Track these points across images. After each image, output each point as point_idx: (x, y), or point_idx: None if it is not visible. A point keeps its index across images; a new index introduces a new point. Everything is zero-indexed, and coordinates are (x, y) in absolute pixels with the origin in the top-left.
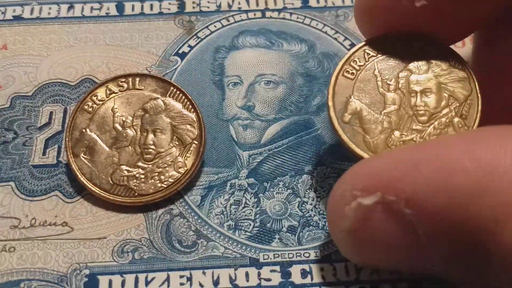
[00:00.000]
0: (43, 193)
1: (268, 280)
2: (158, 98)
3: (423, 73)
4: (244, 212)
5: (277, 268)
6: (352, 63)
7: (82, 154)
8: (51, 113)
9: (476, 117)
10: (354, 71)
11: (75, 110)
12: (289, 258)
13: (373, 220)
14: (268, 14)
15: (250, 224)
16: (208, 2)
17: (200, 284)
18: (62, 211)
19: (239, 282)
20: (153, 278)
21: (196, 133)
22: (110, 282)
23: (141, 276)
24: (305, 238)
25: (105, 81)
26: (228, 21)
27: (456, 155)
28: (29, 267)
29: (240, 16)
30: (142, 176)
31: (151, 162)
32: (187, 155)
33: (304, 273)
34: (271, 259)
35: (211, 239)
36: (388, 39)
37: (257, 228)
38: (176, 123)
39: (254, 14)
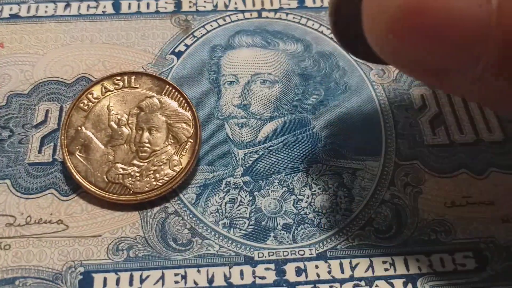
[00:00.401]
0: (38, 191)
1: (263, 278)
2: (153, 96)
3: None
4: (239, 210)
5: (272, 266)
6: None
7: (77, 152)
8: (47, 111)
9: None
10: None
11: (71, 108)
12: (283, 256)
13: None
14: (264, 14)
15: (245, 222)
16: (204, 1)
17: (195, 282)
18: (58, 209)
19: (234, 280)
20: (147, 276)
21: (192, 132)
22: (105, 280)
23: (136, 274)
24: (300, 236)
25: (101, 79)
26: (225, 20)
27: None
28: (24, 264)
29: (237, 16)
30: (138, 174)
31: (146, 160)
32: (183, 153)
33: (298, 271)
34: (265, 257)
35: (206, 237)
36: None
37: (252, 226)
38: (171, 121)
39: (251, 14)
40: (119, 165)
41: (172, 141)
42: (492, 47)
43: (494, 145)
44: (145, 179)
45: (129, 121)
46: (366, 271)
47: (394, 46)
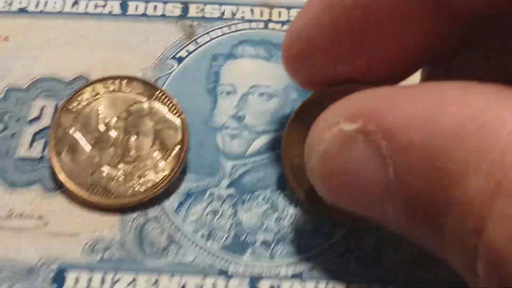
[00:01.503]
0: (23, 185)
1: None
2: (143, 101)
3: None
4: (219, 222)
5: (246, 281)
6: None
7: (63, 153)
8: (42, 107)
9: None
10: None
11: (61, 109)
12: (258, 273)
13: (349, 149)
14: (271, 25)
15: (224, 235)
16: (212, 8)
17: None
18: (40, 205)
19: None
20: (119, 279)
21: (179, 138)
22: (77, 278)
23: (108, 276)
24: (278, 254)
25: (92, 81)
26: (230, 29)
27: (448, 98)
28: (1, 256)
29: (243, 25)
30: (121, 178)
31: (131, 165)
32: (168, 160)
33: None
34: (240, 272)
35: (182, 246)
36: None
37: (231, 240)
38: (159, 128)
39: (257, 24)
40: (104, 168)
41: (159, 147)
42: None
43: None
44: (129, 184)
45: (117, 125)
46: None
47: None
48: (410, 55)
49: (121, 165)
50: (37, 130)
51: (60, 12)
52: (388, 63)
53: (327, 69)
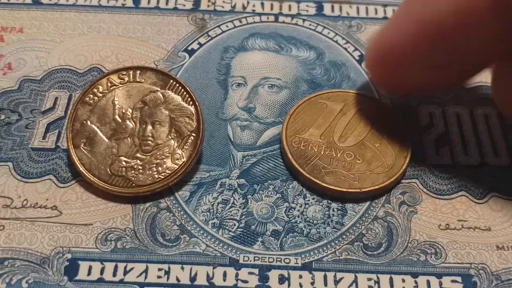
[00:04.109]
0: (38, 176)
1: (245, 282)
2: (157, 90)
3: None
4: (230, 211)
5: (256, 271)
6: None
7: (82, 145)
8: (56, 98)
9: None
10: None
11: (77, 102)
12: (269, 262)
13: None
14: (281, 18)
15: (234, 224)
16: (223, 1)
17: (177, 279)
18: (54, 195)
19: (216, 281)
20: (132, 268)
21: (194, 126)
22: (90, 268)
23: (121, 265)
24: (287, 244)
25: (107, 73)
26: (241, 22)
27: None
28: (15, 246)
29: (253, 18)
30: (140, 167)
31: (149, 154)
32: (185, 147)
33: (282, 279)
34: (251, 261)
35: (194, 235)
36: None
37: (241, 229)
38: (174, 116)
39: (267, 18)
40: (122, 158)
41: (175, 135)
42: None
43: (498, 170)
44: (148, 172)
45: (133, 115)
46: (349, 286)
47: None
48: (491, 57)
49: (139, 155)
50: (51, 120)
51: (74, 5)
52: (476, 68)
53: (419, 78)
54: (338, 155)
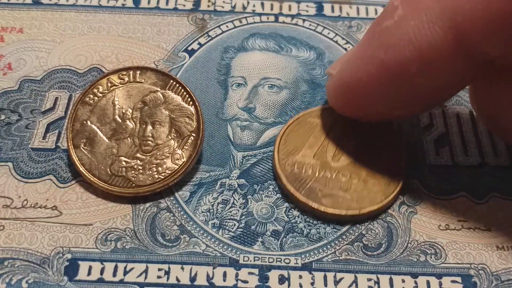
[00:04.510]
0: (38, 176)
1: (245, 282)
2: (157, 91)
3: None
4: (230, 212)
5: (256, 271)
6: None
7: (82, 145)
8: (56, 98)
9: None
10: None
11: (77, 102)
12: (269, 262)
13: None
14: (281, 19)
15: (234, 225)
16: (223, 2)
17: (177, 279)
18: (54, 195)
19: (216, 281)
20: (132, 269)
21: (194, 126)
22: (90, 268)
23: (121, 266)
24: (287, 244)
25: (107, 73)
26: (241, 22)
27: None
28: (15, 246)
29: (253, 19)
30: (140, 168)
31: (149, 154)
32: (185, 147)
33: (282, 279)
34: (251, 261)
35: (194, 235)
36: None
37: (241, 229)
38: (174, 116)
39: (267, 18)
40: (122, 158)
41: (175, 135)
42: None
43: (498, 170)
44: (148, 172)
45: (133, 115)
46: (349, 286)
47: None
48: (458, 88)
49: (139, 155)
50: (51, 121)
51: (73, 5)
52: (444, 97)
53: (383, 110)
54: (333, 176)
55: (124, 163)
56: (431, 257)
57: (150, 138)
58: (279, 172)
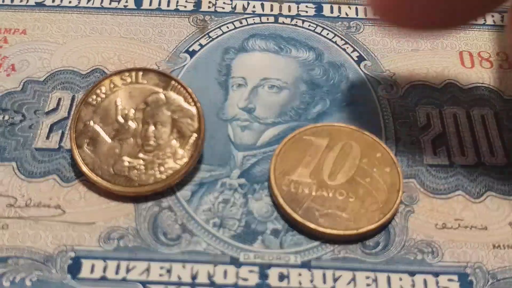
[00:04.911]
0: (41, 176)
1: (245, 279)
2: (159, 92)
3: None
4: (231, 211)
5: (256, 269)
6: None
7: (85, 145)
8: (59, 99)
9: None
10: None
11: (80, 103)
12: (269, 260)
13: None
14: (281, 19)
15: (235, 224)
16: (224, 3)
17: (179, 277)
18: (57, 194)
19: (217, 279)
20: (134, 267)
21: (196, 126)
22: (93, 266)
23: (123, 264)
24: (287, 242)
25: (109, 75)
26: (241, 23)
27: None
28: (19, 245)
29: (253, 19)
30: (143, 167)
31: (152, 154)
32: (187, 147)
33: (281, 277)
34: (251, 259)
35: (195, 234)
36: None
37: (242, 228)
38: (176, 116)
39: (267, 19)
40: (125, 158)
41: (177, 135)
42: None
43: (495, 169)
44: (150, 172)
45: (136, 116)
46: (348, 284)
47: None
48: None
49: (141, 155)
50: (54, 121)
51: (76, 6)
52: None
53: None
54: (330, 195)
55: (126, 163)
56: (428, 256)
57: (153, 138)
58: (275, 192)
